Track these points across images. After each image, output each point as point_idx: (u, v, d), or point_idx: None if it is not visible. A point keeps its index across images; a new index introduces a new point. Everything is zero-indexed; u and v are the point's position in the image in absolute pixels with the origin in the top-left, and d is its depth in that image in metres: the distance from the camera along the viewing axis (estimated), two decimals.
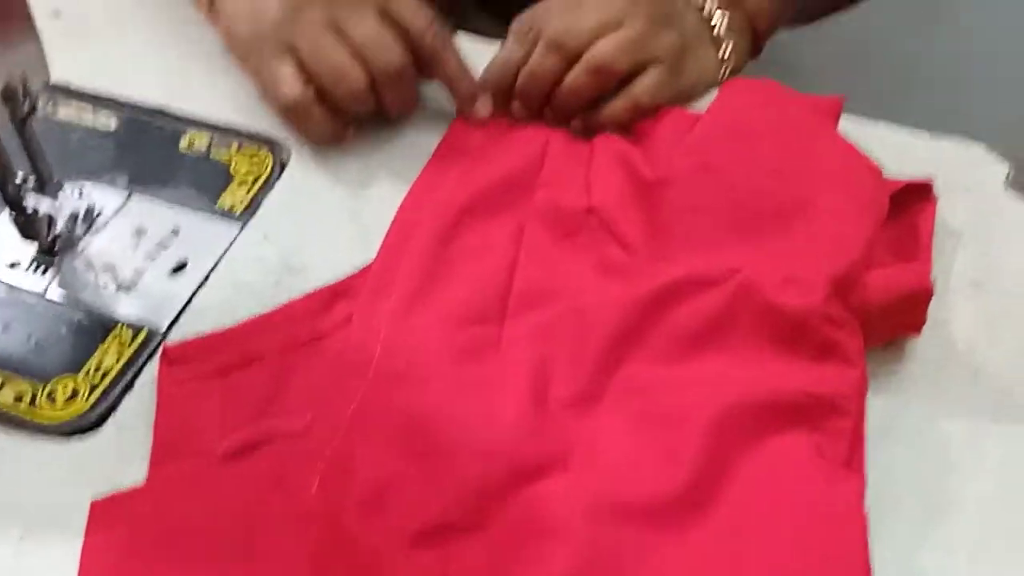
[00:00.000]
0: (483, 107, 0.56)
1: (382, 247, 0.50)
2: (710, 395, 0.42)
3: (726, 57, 0.59)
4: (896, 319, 0.46)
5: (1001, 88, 1.10)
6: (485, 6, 0.75)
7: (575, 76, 0.54)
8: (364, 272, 0.49)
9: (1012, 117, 0.99)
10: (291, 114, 0.54)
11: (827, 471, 0.39)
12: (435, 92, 0.58)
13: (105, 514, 0.40)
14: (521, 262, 0.48)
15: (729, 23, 0.59)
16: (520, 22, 0.56)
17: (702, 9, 0.59)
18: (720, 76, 0.60)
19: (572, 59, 0.54)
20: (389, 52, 0.52)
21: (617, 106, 0.55)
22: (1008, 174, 0.56)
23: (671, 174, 0.50)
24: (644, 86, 0.54)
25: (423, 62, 0.54)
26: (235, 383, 0.44)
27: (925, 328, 0.48)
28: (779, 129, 0.51)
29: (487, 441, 0.41)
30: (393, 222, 0.51)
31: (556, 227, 0.50)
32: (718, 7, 0.59)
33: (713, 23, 0.59)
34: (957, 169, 0.55)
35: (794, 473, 0.39)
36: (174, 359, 0.45)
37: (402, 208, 0.52)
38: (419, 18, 0.53)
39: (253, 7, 0.54)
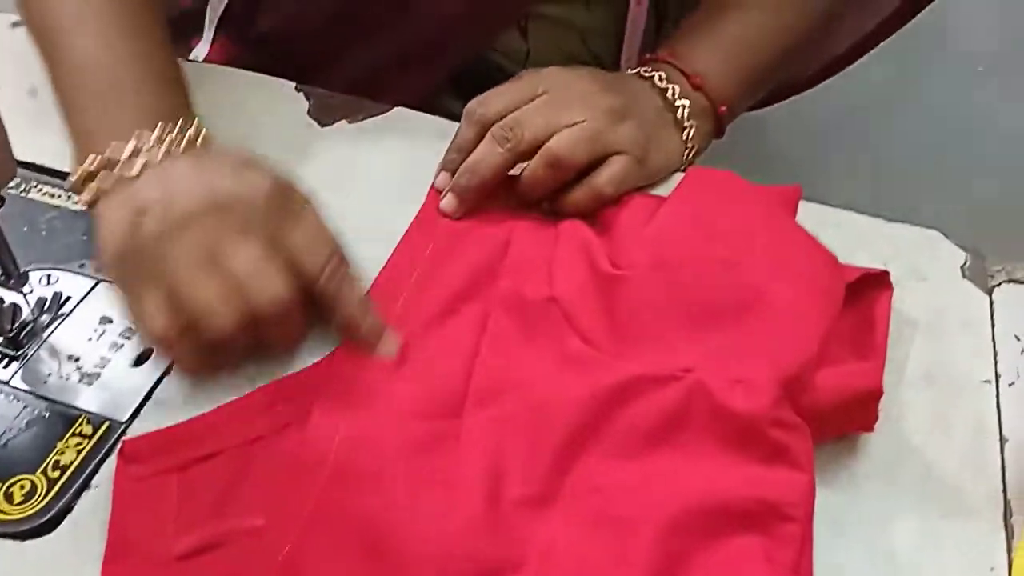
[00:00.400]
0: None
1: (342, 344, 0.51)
2: (662, 498, 0.42)
3: (689, 140, 0.61)
4: (848, 417, 0.47)
5: (959, 175, 1.12)
6: (459, 91, 0.76)
7: (532, 168, 0.55)
8: (327, 360, 0.50)
9: (969, 205, 1.01)
10: (157, 349, 0.50)
11: None
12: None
13: None
14: (482, 353, 0.49)
15: (691, 108, 0.60)
16: (469, 108, 0.57)
17: (664, 93, 0.60)
18: (684, 159, 0.61)
19: (526, 153, 0.55)
20: (268, 287, 0.46)
21: (578, 195, 0.55)
22: (965, 262, 0.57)
23: (629, 268, 0.50)
24: (606, 176, 0.55)
25: (316, 298, 0.49)
26: (192, 479, 0.45)
27: (878, 423, 0.48)
28: (736, 221, 0.52)
29: (442, 544, 0.41)
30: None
31: (518, 317, 0.50)
32: (680, 93, 0.60)
33: (677, 107, 0.60)
34: (914, 256, 0.57)
35: None
36: (131, 456, 0.45)
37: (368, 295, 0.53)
38: (313, 252, 0.48)
39: (131, 221, 0.47)
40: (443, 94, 0.74)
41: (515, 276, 0.53)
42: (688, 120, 0.60)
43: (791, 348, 0.45)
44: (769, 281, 0.48)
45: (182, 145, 0.52)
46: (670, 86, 0.60)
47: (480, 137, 0.56)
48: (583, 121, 0.55)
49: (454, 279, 0.53)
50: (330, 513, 0.43)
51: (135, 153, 0.50)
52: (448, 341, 0.50)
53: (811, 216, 0.58)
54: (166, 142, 0.51)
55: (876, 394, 0.46)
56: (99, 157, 0.50)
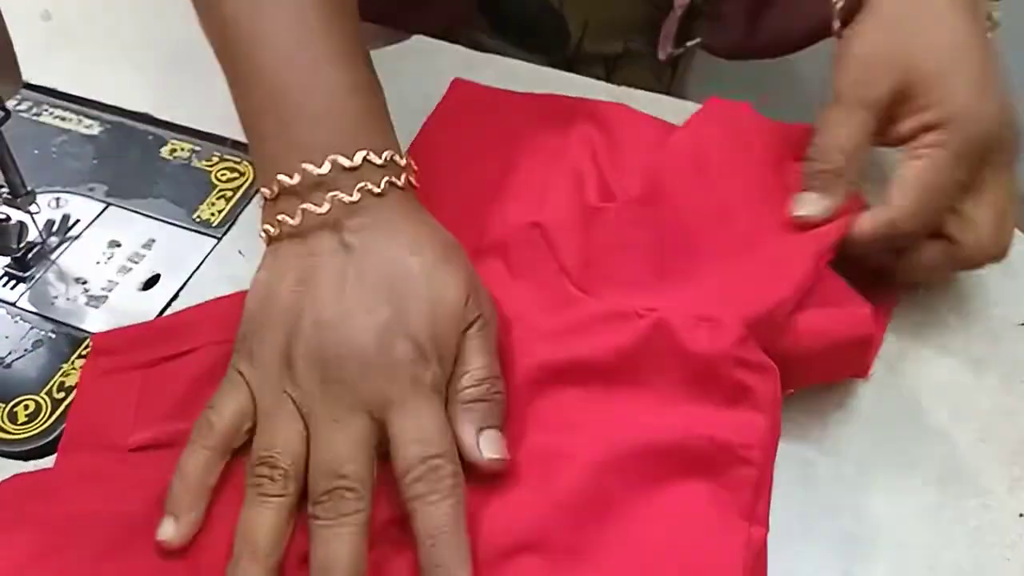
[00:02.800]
0: None
1: None
2: (606, 435, 0.40)
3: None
4: (838, 362, 0.44)
5: None
6: (498, 30, 0.74)
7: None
8: None
9: None
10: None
11: (718, 521, 0.38)
12: (421, 105, 0.58)
13: (7, 495, 0.40)
14: None
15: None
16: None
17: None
18: None
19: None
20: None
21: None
22: None
23: (618, 198, 0.48)
24: None
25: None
26: (157, 376, 0.44)
27: (907, 364, 0.47)
28: (739, 160, 0.49)
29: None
30: None
31: (503, 242, 0.48)
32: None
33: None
34: None
35: (683, 522, 0.38)
36: (100, 349, 0.45)
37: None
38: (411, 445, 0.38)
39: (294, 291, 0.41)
40: (479, 29, 0.71)
41: (508, 198, 0.51)
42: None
43: (765, 290, 0.43)
44: (756, 229, 0.46)
45: (399, 180, 0.43)
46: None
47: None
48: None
49: (452, 198, 0.50)
50: None
51: (354, 176, 0.41)
52: None
53: None
54: (383, 178, 0.42)
55: (867, 341, 0.44)
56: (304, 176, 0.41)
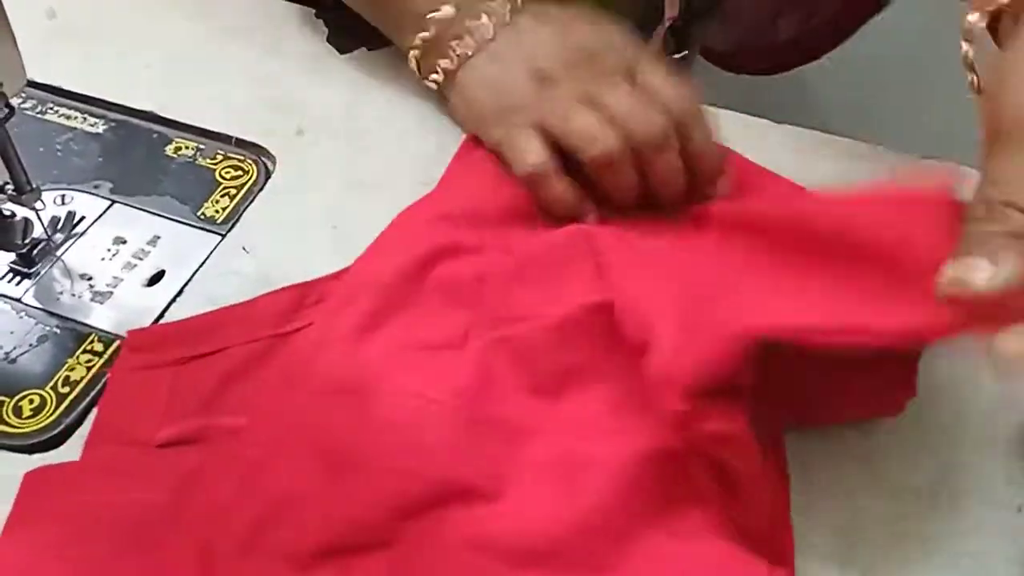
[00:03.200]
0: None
1: (363, 255, 0.49)
2: (630, 446, 0.40)
3: None
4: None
5: None
6: None
7: None
8: (339, 274, 0.49)
9: None
10: (531, 184, 0.49)
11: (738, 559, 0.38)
12: (421, 105, 0.58)
13: (35, 485, 0.41)
14: (503, 281, 0.46)
15: None
16: None
17: None
18: None
19: None
20: (648, 119, 0.47)
21: None
22: None
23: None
24: None
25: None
26: (187, 374, 0.45)
27: None
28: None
29: (408, 461, 0.40)
30: (381, 235, 0.50)
31: (548, 243, 0.48)
32: None
33: None
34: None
35: (703, 556, 0.38)
36: (134, 346, 0.45)
37: (394, 223, 0.50)
38: (670, 86, 0.48)
39: (499, 81, 0.52)
40: None
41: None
42: None
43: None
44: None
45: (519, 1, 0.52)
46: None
47: None
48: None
49: (490, 218, 0.50)
50: (305, 424, 0.42)
51: (480, 16, 0.52)
52: (460, 282, 0.48)
53: (842, 151, 0.56)
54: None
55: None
56: (437, 23, 0.53)
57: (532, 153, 0.48)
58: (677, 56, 0.70)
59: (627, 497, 0.39)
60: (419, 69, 0.56)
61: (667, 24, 0.69)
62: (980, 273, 0.34)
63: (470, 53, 0.52)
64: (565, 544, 0.38)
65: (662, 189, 0.49)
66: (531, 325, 0.44)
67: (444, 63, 0.54)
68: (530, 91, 0.50)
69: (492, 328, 0.44)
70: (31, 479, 0.41)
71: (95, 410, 0.44)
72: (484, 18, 0.52)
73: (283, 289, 0.48)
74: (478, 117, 0.53)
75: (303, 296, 0.48)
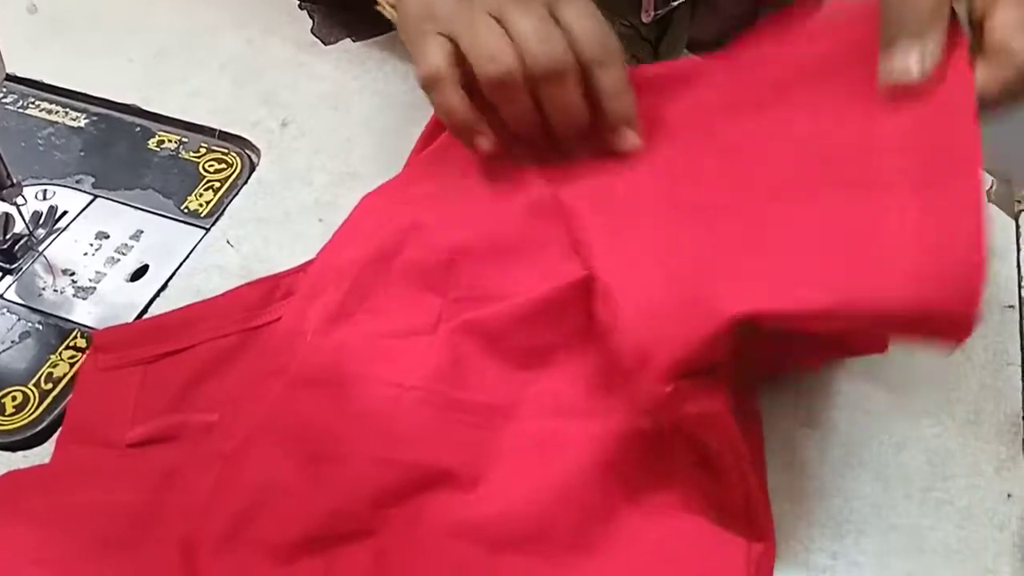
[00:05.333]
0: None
1: (329, 244, 0.49)
2: (601, 425, 0.40)
3: None
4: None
5: None
6: None
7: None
8: (306, 267, 0.48)
9: (999, 130, 0.98)
10: (427, 91, 0.48)
11: (717, 535, 0.38)
12: (407, 96, 0.58)
13: (6, 489, 0.40)
14: (476, 261, 0.45)
15: None
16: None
17: None
18: None
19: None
20: (551, 48, 0.45)
21: None
22: (991, 187, 0.54)
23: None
24: None
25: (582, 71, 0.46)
26: (155, 373, 0.44)
27: (896, 350, 0.47)
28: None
29: (384, 448, 0.40)
30: (346, 220, 0.49)
31: (514, 208, 0.46)
32: None
33: None
34: None
35: (683, 533, 0.38)
36: (101, 346, 0.45)
37: (358, 206, 0.50)
38: (586, 23, 0.46)
39: None
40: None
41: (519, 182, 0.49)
42: None
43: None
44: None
45: None
46: None
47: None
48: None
49: (459, 191, 0.50)
50: (281, 417, 0.41)
51: None
52: (427, 263, 0.47)
53: None
54: None
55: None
56: None
57: (431, 59, 0.46)
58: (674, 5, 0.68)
59: (604, 477, 0.39)
60: None
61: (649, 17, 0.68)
62: (912, 56, 0.37)
63: None
64: (544, 526, 0.38)
65: (556, 124, 0.46)
66: (503, 306, 0.43)
67: None
68: (447, 5, 0.47)
69: (464, 310, 0.44)
70: (2, 483, 0.41)
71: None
72: None
73: (251, 283, 0.48)
74: (402, 26, 0.49)
75: (272, 290, 0.47)
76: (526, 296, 0.43)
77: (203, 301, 0.47)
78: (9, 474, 0.41)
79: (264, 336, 0.45)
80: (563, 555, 0.38)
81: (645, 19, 0.70)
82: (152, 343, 0.45)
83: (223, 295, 0.47)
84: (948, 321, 0.34)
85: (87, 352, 0.45)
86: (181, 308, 0.47)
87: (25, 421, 0.43)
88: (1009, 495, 0.42)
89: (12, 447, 0.42)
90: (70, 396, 0.44)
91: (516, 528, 0.38)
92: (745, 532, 0.39)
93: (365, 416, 0.40)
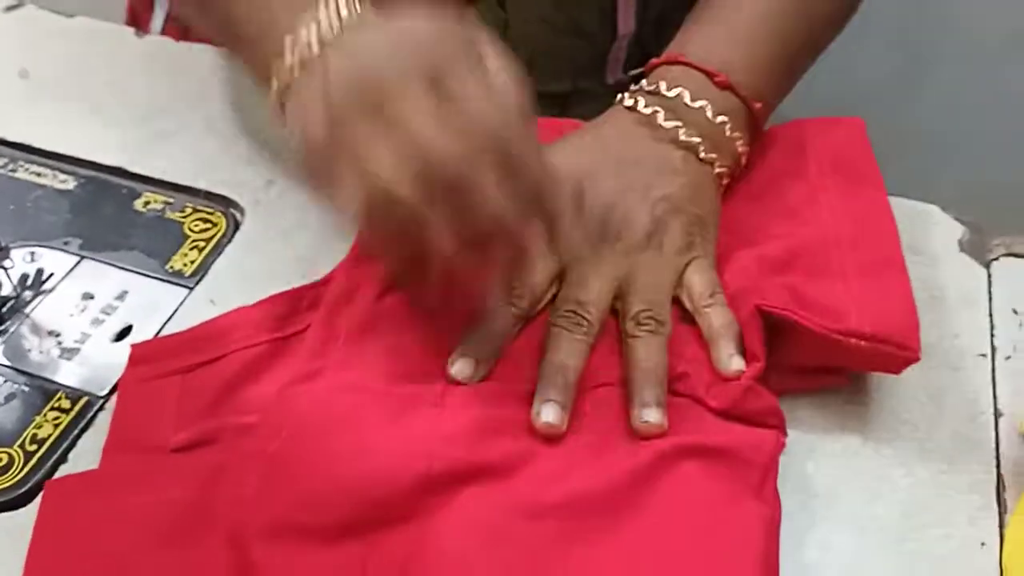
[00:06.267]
0: None
1: (345, 259, 0.50)
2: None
3: (723, 173, 0.52)
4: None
5: (961, 151, 1.10)
6: None
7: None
8: (329, 279, 0.50)
9: (969, 179, 1.00)
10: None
11: (732, 494, 0.41)
12: None
13: (57, 494, 0.42)
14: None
15: (720, 110, 0.52)
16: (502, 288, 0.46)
17: (677, 139, 0.51)
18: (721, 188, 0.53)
19: (594, 333, 0.47)
20: (447, 147, 0.39)
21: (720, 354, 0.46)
22: (963, 236, 0.55)
23: None
24: (701, 293, 0.48)
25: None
26: (192, 381, 0.46)
27: (871, 400, 0.47)
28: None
29: (428, 444, 0.42)
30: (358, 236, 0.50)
31: None
32: (691, 121, 0.51)
33: (692, 145, 0.51)
34: (912, 230, 0.55)
35: (697, 500, 0.41)
36: (138, 359, 0.47)
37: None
38: (481, 98, 0.40)
39: (323, 100, 0.41)
40: None
41: None
42: (710, 152, 0.51)
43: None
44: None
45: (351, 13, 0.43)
46: (675, 124, 0.51)
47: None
48: (634, 267, 0.48)
49: None
50: (318, 419, 0.43)
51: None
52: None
53: None
54: (333, 17, 0.43)
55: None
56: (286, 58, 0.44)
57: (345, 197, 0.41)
58: (634, 73, 0.69)
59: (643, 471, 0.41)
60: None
61: (623, 39, 0.69)
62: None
63: (292, 78, 0.44)
64: (577, 496, 0.40)
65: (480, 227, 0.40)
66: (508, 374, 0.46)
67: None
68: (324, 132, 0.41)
69: None
70: (52, 488, 0.42)
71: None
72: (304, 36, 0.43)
73: (278, 295, 0.50)
74: (308, 143, 0.42)
75: (297, 301, 0.50)
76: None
77: (231, 312, 0.49)
78: (59, 480, 0.43)
79: (294, 344, 0.48)
80: (597, 519, 0.40)
81: (610, 80, 0.72)
82: (187, 353, 0.47)
83: (251, 307, 0.49)
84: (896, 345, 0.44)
85: (126, 367, 0.47)
86: (212, 320, 0.49)
87: (11, 482, 0.44)
88: (983, 544, 0.43)
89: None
90: (114, 408, 0.46)
91: (552, 497, 0.40)
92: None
93: (403, 417, 0.43)
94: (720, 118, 0.52)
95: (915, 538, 0.43)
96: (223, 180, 0.58)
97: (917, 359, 0.44)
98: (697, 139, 0.51)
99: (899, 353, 0.44)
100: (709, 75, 0.52)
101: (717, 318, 0.46)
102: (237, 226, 0.56)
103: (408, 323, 0.47)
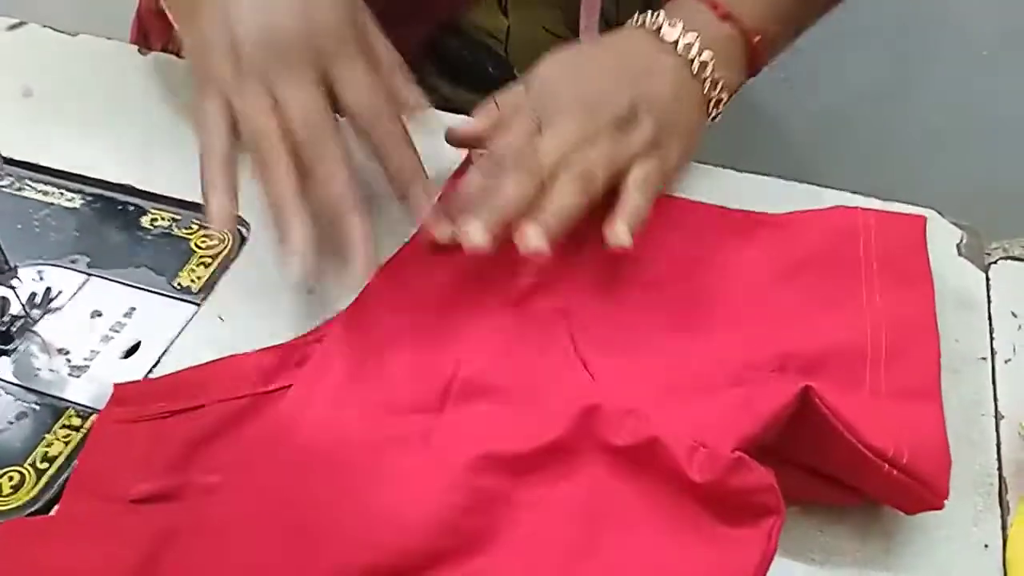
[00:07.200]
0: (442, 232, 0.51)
1: (342, 314, 0.50)
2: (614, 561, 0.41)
3: (713, 96, 0.57)
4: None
5: (959, 155, 1.11)
6: (443, 69, 0.76)
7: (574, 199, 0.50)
8: (321, 335, 0.49)
9: (968, 182, 1.00)
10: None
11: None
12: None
13: (7, 537, 0.41)
14: (476, 351, 0.48)
15: (717, 43, 0.56)
16: (487, 158, 0.52)
17: (676, 47, 0.56)
18: (709, 119, 0.58)
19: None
20: (312, 115, 0.49)
21: (619, 226, 0.50)
22: (961, 240, 0.56)
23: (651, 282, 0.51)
24: (635, 190, 0.52)
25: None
26: (167, 428, 0.45)
27: None
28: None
29: (384, 532, 0.40)
30: (360, 292, 0.51)
31: (520, 320, 0.50)
32: (698, 41, 0.55)
33: (692, 62, 0.56)
34: None
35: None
36: (119, 399, 0.46)
37: (373, 280, 0.51)
38: (356, 83, 0.50)
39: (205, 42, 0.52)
40: (427, 73, 0.74)
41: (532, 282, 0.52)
42: (710, 72, 0.55)
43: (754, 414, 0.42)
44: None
45: None
46: (684, 37, 0.55)
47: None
48: (598, 140, 0.52)
49: (462, 283, 0.52)
50: (281, 491, 0.42)
51: None
52: (446, 335, 0.49)
53: (807, 197, 0.58)
54: None
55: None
56: None
57: (212, 127, 0.50)
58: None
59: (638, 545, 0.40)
60: None
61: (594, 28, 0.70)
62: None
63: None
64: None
65: (321, 195, 0.49)
66: (499, 404, 0.45)
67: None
68: (226, 67, 0.50)
69: (470, 392, 0.45)
70: (4, 530, 0.42)
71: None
72: None
73: (267, 349, 0.49)
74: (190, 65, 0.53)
75: (288, 356, 0.49)
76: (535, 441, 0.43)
77: (219, 360, 0.49)
78: (14, 522, 0.43)
79: (274, 403, 0.47)
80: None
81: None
82: (166, 399, 0.47)
83: (240, 356, 0.49)
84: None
85: (106, 404, 0.47)
86: (199, 366, 0.48)
87: (22, 501, 0.44)
88: (986, 546, 0.43)
89: None
90: (83, 446, 0.45)
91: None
92: None
93: (361, 501, 0.41)
94: (718, 45, 0.56)
95: (919, 541, 0.43)
96: None
97: (941, 507, 0.41)
98: (695, 55, 0.55)
99: (925, 495, 0.41)
100: (711, 5, 0.56)
101: (631, 201, 0.51)
102: (243, 241, 0.56)
103: (394, 385, 0.46)
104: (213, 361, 0.49)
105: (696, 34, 0.55)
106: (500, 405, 0.45)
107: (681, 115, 0.55)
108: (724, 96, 0.57)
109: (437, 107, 0.58)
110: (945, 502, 0.41)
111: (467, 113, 0.57)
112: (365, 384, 0.46)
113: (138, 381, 0.48)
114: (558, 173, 0.50)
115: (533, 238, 0.48)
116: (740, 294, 0.50)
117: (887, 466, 0.40)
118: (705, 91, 0.56)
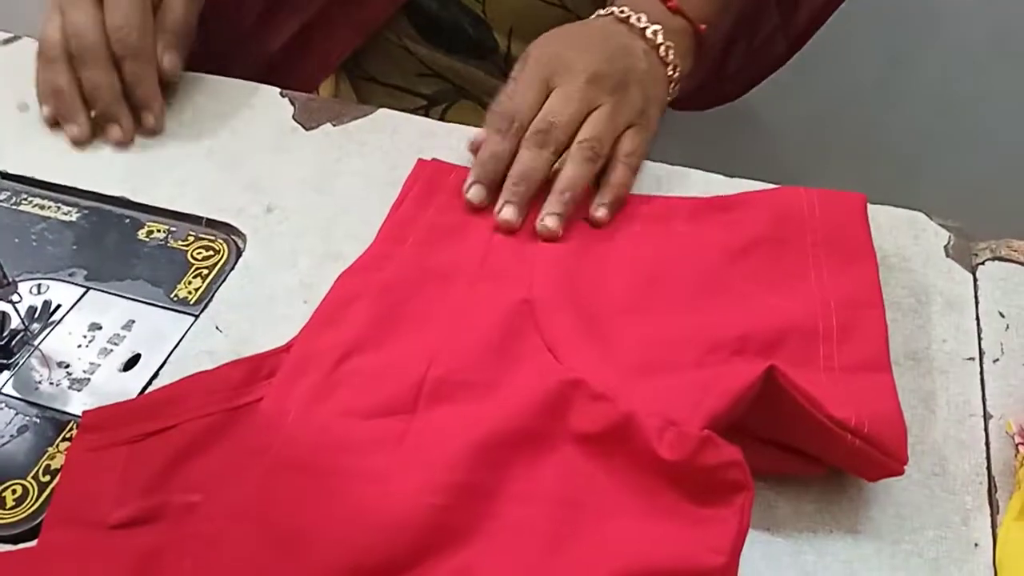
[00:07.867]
0: (475, 196, 0.57)
1: (308, 324, 0.51)
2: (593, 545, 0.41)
3: (673, 78, 0.63)
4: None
5: (948, 156, 1.12)
6: (424, 35, 0.78)
7: (577, 164, 0.56)
8: (289, 345, 0.50)
9: (957, 182, 1.01)
10: (41, 62, 0.65)
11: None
12: (389, 176, 0.60)
13: None
14: (445, 349, 0.48)
15: (668, 34, 0.62)
16: (499, 115, 0.58)
17: (644, 34, 0.62)
18: (669, 95, 0.64)
19: (561, 149, 0.57)
20: (85, 35, 0.61)
21: (609, 195, 0.57)
22: (949, 241, 0.57)
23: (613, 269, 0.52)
24: (627, 155, 0.58)
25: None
26: (141, 451, 0.45)
27: None
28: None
29: (364, 535, 0.41)
30: (324, 300, 0.52)
31: (490, 314, 0.50)
32: (662, 32, 0.62)
33: (659, 46, 0.62)
34: (898, 236, 0.57)
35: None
36: (89, 427, 0.46)
37: (335, 286, 0.52)
38: (119, 16, 0.62)
39: None
40: (405, 35, 0.77)
41: (494, 276, 0.52)
42: (671, 57, 0.62)
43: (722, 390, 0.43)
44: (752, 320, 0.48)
45: None
46: (649, 26, 0.62)
47: (516, 144, 0.57)
48: (601, 105, 0.57)
49: (427, 279, 0.52)
50: (262, 501, 0.43)
51: None
52: (415, 335, 0.49)
53: None
54: None
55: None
56: None
57: (48, 32, 0.62)
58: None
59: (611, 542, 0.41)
60: None
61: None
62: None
63: None
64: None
65: (91, 101, 0.63)
66: (472, 400, 0.46)
67: None
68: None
69: (444, 391, 0.46)
70: None
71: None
72: None
73: (235, 362, 0.49)
74: None
75: (256, 369, 0.49)
76: (509, 409, 0.44)
77: (187, 378, 0.49)
78: None
79: (247, 416, 0.47)
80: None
81: None
82: (137, 422, 0.46)
83: (207, 372, 0.49)
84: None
85: (76, 433, 0.46)
86: (166, 386, 0.48)
87: (25, 514, 0.44)
88: (976, 544, 0.44)
89: (13, 540, 0.44)
90: (58, 479, 0.45)
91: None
92: None
93: (343, 504, 0.42)
94: (676, 36, 0.63)
95: (909, 540, 0.44)
96: (224, 208, 0.59)
97: (901, 473, 0.43)
98: (661, 41, 0.62)
99: (887, 462, 0.43)
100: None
101: (617, 176, 0.57)
102: (239, 252, 0.57)
103: (366, 389, 0.47)
104: (179, 380, 0.49)
105: (660, 25, 0.62)
106: (473, 401, 0.45)
107: (657, 88, 0.62)
108: (678, 79, 0.64)
109: (415, 72, 0.64)
110: (904, 467, 0.43)
111: (445, 77, 0.60)
112: (337, 390, 0.47)
113: (106, 407, 0.47)
114: (565, 140, 0.57)
115: (552, 223, 0.54)
116: (696, 278, 0.52)
117: (850, 436, 0.42)
118: (668, 73, 0.63)
